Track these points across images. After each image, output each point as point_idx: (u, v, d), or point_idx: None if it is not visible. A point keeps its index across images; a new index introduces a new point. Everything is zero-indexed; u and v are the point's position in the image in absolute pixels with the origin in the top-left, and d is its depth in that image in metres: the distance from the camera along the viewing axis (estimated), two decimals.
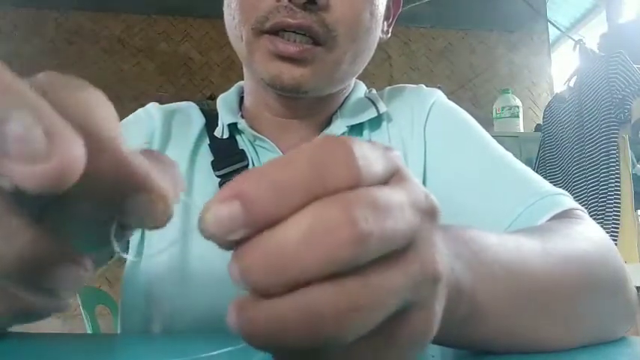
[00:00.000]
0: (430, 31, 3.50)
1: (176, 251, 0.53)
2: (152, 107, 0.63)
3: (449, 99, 0.64)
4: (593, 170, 1.83)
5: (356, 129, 0.60)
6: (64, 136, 0.14)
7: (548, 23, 3.25)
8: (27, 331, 0.46)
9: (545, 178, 0.54)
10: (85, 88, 0.18)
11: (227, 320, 0.17)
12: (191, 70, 3.29)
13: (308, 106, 0.59)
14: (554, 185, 0.51)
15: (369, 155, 0.17)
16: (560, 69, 3.49)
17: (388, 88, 0.67)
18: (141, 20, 3.28)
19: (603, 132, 1.80)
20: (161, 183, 0.18)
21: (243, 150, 0.59)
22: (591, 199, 1.81)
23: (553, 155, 2.11)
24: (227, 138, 0.60)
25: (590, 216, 0.48)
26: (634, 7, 2.51)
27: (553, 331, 0.32)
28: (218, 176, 0.57)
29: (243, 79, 0.65)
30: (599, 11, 3.14)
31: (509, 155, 0.56)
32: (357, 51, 0.55)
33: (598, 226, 0.44)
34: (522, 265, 0.30)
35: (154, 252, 0.55)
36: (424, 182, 0.57)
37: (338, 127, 0.59)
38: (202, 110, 0.65)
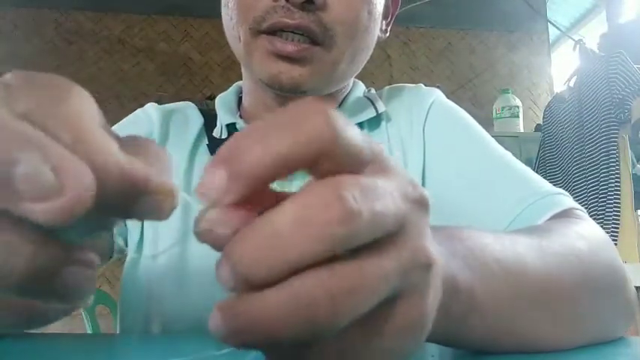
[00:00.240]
0: (430, 31, 3.50)
1: (175, 251, 0.53)
2: (150, 107, 0.63)
3: (449, 99, 0.64)
4: (593, 170, 1.83)
5: None
6: (73, 169, 0.15)
7: (548, 23, 3.25)
8: (27, 331, 0.46)
9: (545, 178, 0.54)
10: (64, 90, 0.17)
11: (210, 325, 0.17)
12: (191, 70, 3.29)
13: None
14: (554, 185, 0.51)
15: (344, 119, 0.17)
16: (560, 69, 3.49)
17: (387, 87, 0.67)
18: (141, 20, 3.28)
19: (603, 132, 1.80)
20: (163, 179, 0.18)
21: None
22: (591, 199, 1.81)
23: (553, 155, 2.11)
24: (225, 138, 0.60)
25: (590, 216, 0.48)
26: (634, 7, 2.51)
27: (552, 329, 0.32)
28: None
29: (242, 79, 0.65)
30: (599, 11, 3.14)
31: (508, 155, 0.56)
32: (355, 50, 0.55)
33: (597, 226, 0.44)
34: (520, 264, 0.30)
35: (156, 252, 0.55)
36: (423, 182, 0.57)
37: None
38: (201, 110, 0.65)
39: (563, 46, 3.50)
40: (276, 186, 0.17)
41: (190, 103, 0.67)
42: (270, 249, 0.16)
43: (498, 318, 0.28)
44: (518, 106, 2.51)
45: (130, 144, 0.19)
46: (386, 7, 0.61)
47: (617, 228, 1.68)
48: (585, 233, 0.40)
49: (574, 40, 2.08)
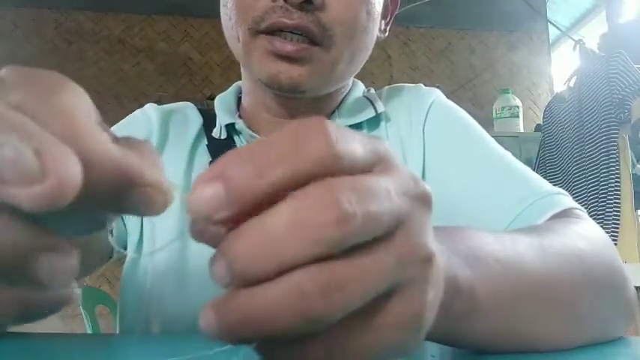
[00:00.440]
0: (430, 31, 3.50)
1: (174, 251, 0.53)
2: (149, 108, 0.63)
3: (449, 99, 0.64)
4: (593, 170, 1.83)
5: (354, 129, 0.60)
6: (57, 154, 0.15)
7: (548, 23, 3.25)
8: (27, 331, 0.46)
9: (545, 178, 0.54)
10: (58, 85, 0.18)
11: (202, 323, 0.17)
12: (191, 70, 3.29)
13: (306, 106, 0.59)
14: (554, 185, 0.51)
15: (345, 134, 0.18)
16: (560, 69, 3.48)
17: (387, 87, 0.67)
18: (141, 20, 3.28)
19: (603, 132, 1.80)
20: (154, 173, 0.18)
21: None
22: (591, 199, 1.81)
23: (553, 155, 2.11)
24: (225, 138, 0.60)
25: (590, 216, 0.48)
26: (634, 7, 2.51)
27: (552, 329, 0.32)
28: None
29: (242, 80, 0.65)
30: (599, 11, 3.14)
31: (508, 155, 0.56)
32: (354, 50, 0.54)
33: (597, 226, 0.44)
34: (520, 263, 0.30)
35: (154, 249, 0.55)
36: None
37: None
38: (200, 111, 0.65)
39: (563, 46, 3.50)
40: None
41: (190, 103, 0.67)
42: (266, 249, 0.16)
43: (499, 317, 0.28)
44: (518, 106, 2.51)
45: (124, 142, 0.19)
46: (385, 6, 0.61)
47: (617, 228, 1.68)
48: (585, 233, 0.40)
49: (574, 40, 2.08)
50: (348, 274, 0.16)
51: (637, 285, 1.25)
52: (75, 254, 0.16)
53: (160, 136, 0.60)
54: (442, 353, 0.33)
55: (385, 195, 0.17)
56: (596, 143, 1.83)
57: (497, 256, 0.29)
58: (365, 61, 0.60)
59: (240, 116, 0.62)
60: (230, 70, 3.17)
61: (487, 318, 0.27)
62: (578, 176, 1.92)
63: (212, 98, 0.67)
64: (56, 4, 3.13)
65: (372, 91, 0.67)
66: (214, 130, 0.61)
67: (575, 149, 1.95)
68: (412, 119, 0.60)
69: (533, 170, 0.54)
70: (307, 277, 0.16)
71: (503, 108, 2.51)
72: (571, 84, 2.04)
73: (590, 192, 1.83)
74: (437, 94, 0.63)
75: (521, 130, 2.51)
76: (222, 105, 0.63)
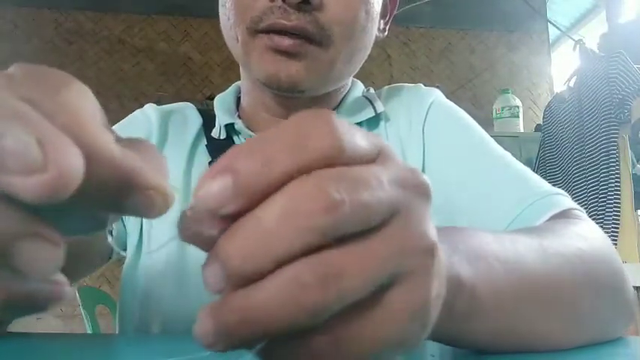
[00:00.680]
0: (430, 31, 3.50)
1: (174, 251, 0.53)
2: (149, 108, 0.63)
3: (448, 99, 0.64)
4: (593, 170, 1.83)
5: None
6: (60, 146, 0.15)
7: (548, 23, 3.25)
8: (27, 331, 0.46)
9: (545, 178, 0.54)
10: (66, 84, 0.18)
11: (197, 331, 0.17)
12: (191, 70, 3.29)
13: (305, 106, 0.58)
14: (554, 185, 0.51)
15: (348, 127, 0.18)
16: (560, 69, 3.49)
17: (386, 87, 0.67)
18: (141, 20, 3.28)
19: (603, 132, 1.80)
20: (156, 176, 0.18)
21: None
22: (591, 199, 1.81)
23: (553, 155, 2.11)
24: (224, 139, 0.60)
25: (590, 216, 0.48)
26: (634, 7, 2.51)
27: (552, 329, 0.32)
28: None
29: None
30: (599, 11, 3.14)
31: (508, 155, 0.56)
32: (352, 50, 0.54)
33: (596, 226, 0.44)
34: (520, 263, 0.30)
35: (152, 250, 0.55)
36: None
37: None
38: (200, 111, 0.65)
39: (563, 46, 3.50)
40: None
41: (189, 103, 0.67)
42: (258, 244, 0.16)
43: (500, 316, 0.28)
44: (518, 106, 2.51)
45: (129, 143, 0.19)
46: (384, 6, 0.61)
47: (617, 228, 1.68)
48: (585, 233, 0.40)
49: (574, 40, 2.08)
50: (345, 263, 0.16)
51: (637, 285, 1.25)
52: (61, 245, 0.16)
53: (159, 137, 0.60)
54: (442, 353, 0.33)
55: (377, 183, 0.17)
56: (596, 143, 1.83)
57: (498, 255, 0.29)
58: (364, 61, 0.60)
59: (239, 116, 0.62)
60: (230, 70, 3.17)
61: (488, 317, 0.27)
62: (578, 176, 1.92)
63: (212, 98, 0.67)
64: (56, 4, 3.13)
65: (372, 91, 0.67)
66: (214, 130, 0.61)
67: (575, 149, 1.95)
68: (412, 119, 0.60)
69: (533, 170, 0.54)
70: (304, 268, 0.16)
71: (503, 108, 2.51)
72: (571, 84, 2.04)
73: (590, 192, 1.83)
74: (436, 94, 0.63)
75: (521, 130, 2.51)
76: (222, 105, 0.63)
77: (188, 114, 0.64)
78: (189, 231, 0.17)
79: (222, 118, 0.60)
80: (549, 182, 0.52)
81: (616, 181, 1.73)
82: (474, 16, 3.32)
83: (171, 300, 0.52)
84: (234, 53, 0.57)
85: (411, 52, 3.46)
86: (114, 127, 0.61)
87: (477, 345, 0.30)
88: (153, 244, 0.55)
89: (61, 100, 0.17)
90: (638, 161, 1.80)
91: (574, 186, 1.92)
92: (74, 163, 0.15)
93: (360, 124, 0.60)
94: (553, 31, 3.45)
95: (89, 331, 2.07)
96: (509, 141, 2.23)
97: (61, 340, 0.47)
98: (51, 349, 0.39)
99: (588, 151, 1.87)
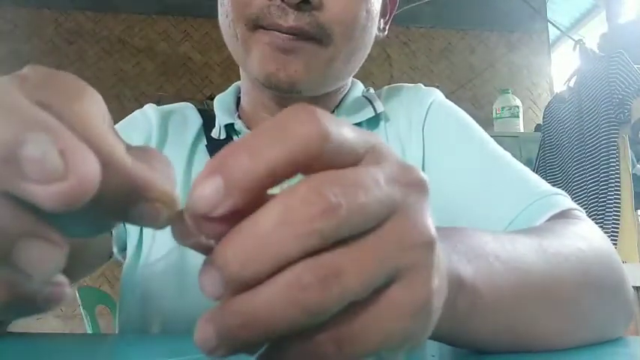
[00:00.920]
0: (430, 31, 3.50)
1: (174, 252, 0.53)
2: (149, 109, 0.63)
3: (448, 99, 0.64)
4: (593, 170, 1.83)
5: None
6: (79, 154, 0.15)
7: (548, 23, 3.25)
8: (27, 331, 0.46)
9: (545, 178, 0.54)
10: (80, 89, 0.18)
11: (197, 337, 0.17)
12: (191, 70, 3.29)
13: None
14: (555, 185, 0.51)
15: (334, 119, 0.18)
16: (560, 69, 3.49)
17: (386, 87, 0.67)
18: (141, 20, 3.29)
19: (603, 132, 1.80)
20: (165, 187, 0.18)
21: None
22: (591, 199, 1.81)
23: (553, 155, 2.11)
24: (224, 139, 0.59)
25: (590, 216, 0.48)
26: (634, 7, 2.51)
27: (552, 328, 0.32)
28: None
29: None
30: (599, 11, 3.14)
31: (507, 155, 0.56)
32: (352, 49, 0.54)
33: (596, 227, 0.44)
34: (520, 262, 0.30)
35: (153, 260, 0.55)
36: None
37: None
38: (200, 111, 0.65)
39: (563, 46, 3.51)
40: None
41: (189, 103, 0.67)
42: (257, 249, 0.16)
43: (500, 315, 0.28)
44: (518, 106, 2.51)
45: (138, 150, 0.19)
46: (384, 5, 0.61)
47: (617, 228, 1.68)
48: (584, 234, 0.40)
49: (574, 40, 2.08)
50: (345, 263, 0.16)
51: (637, 285, 1.25)
52: (64, 247, 0.16)
53: (159, 137, 0.60)
54: (442, 353, 0.33)
55: (373, 184, 0.17)
56: (596, 143, 1.83)
57: (498, 254, 0.29)
58: (364, 61, 0.59)
59: (239, 116, 0.62)
60: (230, 70, 3.17)
61: (489, 316, 0.27)
62: (578, 176, 1.92)
63: (212, 98, 0.67)
64: (56, 4, 3.13)
65: (372, 91, 0.67)
66: (214, 130, 0.61)
67: (575, 149, 1.95)
68: (412, 119, 0.60)
69: (533, 170, 0.54)
70: (304, 270, 0.16)
71: (503, 108, 2.52)
72: (571, 84, 2.04)
73: (590, 192, 1.83)
74: (436, 94, 0.63)
75: (521, 130, 2.51)
76: (222, 105, 0.63)
77: (188, 114, 0.64)
78: (185, 236, 0.17)
79: (221, 119, 0.60)
80: (549, 182, 0.52)
81: (616, 181, 1.73)
82: (473, 16, 3.33)
83: (171, 300, 0.52)
84: (233, 53, 0.57)
85: (411, 52, 3.46)
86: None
87: (477, 344, 0.30)
88: (154, 245, 0.55)
89: (77, 107, 0.17)
90: (638, 161, 1.80)
91: (574, 186, 1.92)
92: (92, 172, 0.15)
93: (359, 124, 0.60)
94: (553, 31, 3.45)
95: (89, 331, 2.07)
96: (509, 141, 2.23)
97: (61, 340, 0.47)
98: (51, 349, 0.39)
99: (588, 151, 1.87)
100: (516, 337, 0.30)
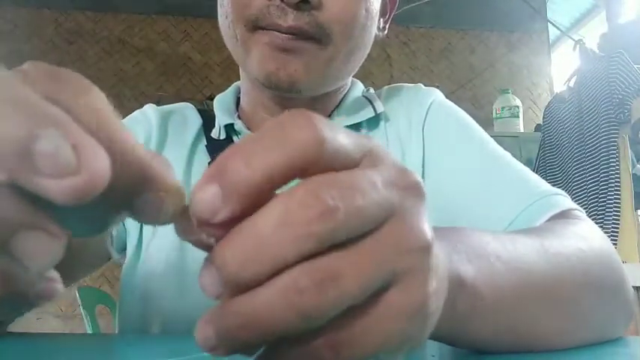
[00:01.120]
0: (430, 31, 3.50)
1: (174, 251, 0.53)
2: (149, 109, 0.63)
3: (448, 99, 0.64)
4: (593, 170, 1.83)
5: (353, 129, 0.60)
6: (90, 149, 0.15)
7: (548, 23, 3.25)
8: (27, 331, 0.46)
9: (545, 178, 0.54)
10: (84, 85, 0.18)
11: (197, 337, 0.17)
12: (191, 70, 3.29)
13: (304, 106, 0.58)
14: (555, 185, 0.51)
15: (330, 124, 0.18)
16: (560, 69, 3.49)
17: (386, 87, 0.67)
18: (141, 20, 3.29)
19: (603, 132, 1.80)
20: (173, 180, 0.18)
21: None
22: (591, 199, 1.81)
23: (553, 155, 2.11)
24: (224, 139, 0.59)
25: (590, 216, 0.48)
26: (634, 7, 2.51)
27: (552, 328, 0.32)
28: None
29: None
30: (599, 11, 3.14)
31: (507, 155, 0.56)
32: (352, 49, 0.54)
33: (596, 227, 0.44)
34: (520, 262, 0.30)
35: (155, 259, 0.55)
36: None
37: None
38: (200, 111, 0.65)
39: (563, 46, 3.51)
40: None
41: (189, 104, 0.67)
42: (255, 251, 0.16)
43: (501, 315, 0.28)
44: (518, 106, 2.51)
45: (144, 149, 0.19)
46: (383, 4, 0.61)
47: (617, 228, 1.68)
48: (585, 234, 0.40)
49: (574, 40, 2.08)
50: (342, 267, 0.16)
51: (636, 285, 1.25)
52: (62, 239, 0.16)
53: (158, 137, 0.60)
54: (442, 353, 0.33)
55: (370, 187, 0.17)
56: (596, 143, 1.83)
57: (498, 254, 0.29)
58: (363, 60, 0.59)
59: (239, 116, 0.62)
60: (230, 70, 3.17)
61: (489, 316, 0.27)
62: (578, 176, 1.92)
63: (212, 98, 0.67)
64: (56, 4, 3.13)
65: (372, 91, 0.67)
66: (213, 130, 0.61)
67: (575, 149, 1.95)
68: (412, 119, 0.60)
69: (533, 170, 0.54)
70: (301, 273, 0.16)
71: (503, 108, 2.52)
72: (571, 84, 2.04)
73: (590, 192, 1.83)
74: (436, 95, 0.63)
75: (521, 130, 2.51)
76: (221, 105, 0.63)
77: (188, 114, 0.64)
78: (187, 233, 0.18)
79: (221, 119, 0.60)
80: (549, 182, 0.52)
81: (616, 181, 1.73)
82: (473, 16, 3.33)
83: (171, 300, 0.52)
84: (233, 53, 0.57)
85: (411, 52, 3.46)
86: None
87: (477, 344, 0.30)
88: (155, 248, 0.55)
89: (85, 100, 0.17)
90: (638, 161, 1.80)
91: (574, 186, 1.92)
92: (103, 167, 0.15)
93: (359, 124, 0.60)
94: (553, 31, 3.45)
95: (89, 331, 2.07)
96: (509, 141, 2.23)
97: (61, 340, 0.47)
98: (51, 349, 0.39)
99: (588, 151, 1.87)
100: (517, 337, 0.30)
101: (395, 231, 0.18)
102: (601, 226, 1.55)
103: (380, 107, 0.60)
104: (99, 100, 0.18)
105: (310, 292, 0.16)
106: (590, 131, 1.87)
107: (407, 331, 0.18)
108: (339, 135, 0.18)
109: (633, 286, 0.42)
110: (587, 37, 2.56)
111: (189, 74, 3.28)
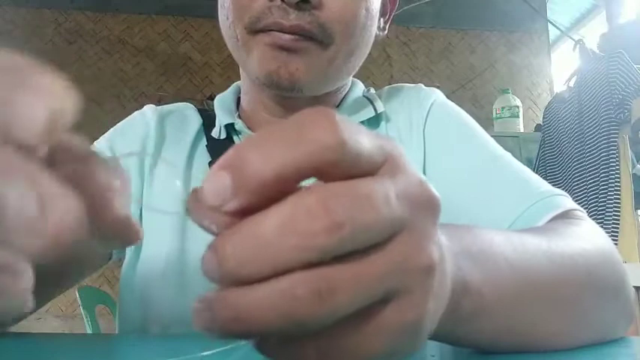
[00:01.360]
0: (430, 31, 3.50)
1: (173, 251, 0.53)
2: (148, 110, 0.63)
3: (449, 99, 0.64)
4: (593, 170, 1.83)
5: None
6: (59, 205, 0.15)
7: (548, 23, 3.25)
8: (27, 331, 0.46)
9: (545, 178, 0.54)
10: (33, 85, 0.16)
11: (194, 317, 0.17)
12: (191, 70, 3.29)
13: (304, 106, 0.58)
14: (555, 185, 0.51)
15: (352, 125, 0.17)
16: (560, 69, 3.49)
17: (386, 87, 0.67)
18: (141, 20, 3.29)
19: (603, 132, 1.80)
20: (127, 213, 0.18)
21: None
22: (591, 199, 1.81)
23: (553, 155, 2.11)
24: (224, 138, 0.59)
25: (590, 216, 0.48)
26: (634, 7, 2.51)
27: (556, 329, 0.32)
28: None
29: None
30: (599, 11, 3.15)
31: (508, 155, 0.56)
32: (352, 48, 0.54)
33: (598, 227, 0.44)
34: (528, 264, 0.30)
35: (154, 259, 0.55)
36: None
37: None
38: (200, 111, 0.65)
39: (563, 46, 3.51)
40: None
41: (189, 104, 0.67)
42: (255, 252, 0.16)
43: (505, 318, 0.28)
44: (518, 106, 2.51)
45: (103, 162, 0.19)
46: (383, 4, 0.61)
47: (617, 228, 1.68)
48: (587, 234, 0.40)
49: (574, 40, 2.08)
50: (340, 279, 0.16)
51: (637, 285, 1.25)
52: (29, 278, 0.15)
53: (156, 137, 0.60)
54: (442, 353, 0.33)
55: (383, 201, 0.17)
56: (596, 143, 1.83)
57: (508, 256, 0.29)
58: (364, 60, 0.59)
59: (239, 116, 0.62)
60: (230, 70, 3.17)
61: (493, 319, 0.27)
62: (578, 176, 1.92)
63: (212, 98, 0.67)
64: (56, 4, 3.13)
65: (372, 91, 0.67)
66: (214, 130, 0.61)
67: (576, 149, 1.95)
68: (412, 120, 0.60)
69: (533, 170, 0.54)
70: (299, 281, 0.16)
71: (503, 108, 2.51)
72: (571, 84, 2.04)
73: (590, 192, 1.83)
74: (437, 95, 0.63)
75: (521, 130, 2.51)
76: (222, 105, 0.63)
77: (188, 114, 0.64)
78: (198, 219, 0.17)
79: (222, 118, 0.60)
80: (549, 182, 0.52)
81: (616, 181, 1.73)
82: (473, 16, 3.33)
83: (171, 300, 0.52)
84: (233, 53, 0.57)
85: (411, 52, 3.46)
86: (112, 130, 0.62)
87: (479, 344, 0.30)
88: (154, 247, 0.55)
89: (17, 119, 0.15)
90: (638, 161, 1.80)
91: (574, 186, 1.92)
92: (73, 223, 0.15)
93: (360, 123, 0.60)
94: (553, 31, 3.45)
95: (89, 331, 2.07)
96: (509, 141, 2.23)
97: (61, 340, 0.47)
98: (51, 349, 0.39)
99: (588, 151, 1.87)
100: (519, 337, 0.30)
101: (401, 248, 0.18)
102: (601, 226, 1.55)
103: (380, 107, 0.61)
104: (55, 101, 0.17)
105: (305, 301, 0.16)
106: (590, 131, 1.87)
107: (396, 347, 0.18)
108: (360, 137, 0.17)
109: (634, 286, 0.42)
110: (587, 37, 2.56)
111: (190, 74, 3.28)
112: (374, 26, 0.57)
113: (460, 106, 0.63)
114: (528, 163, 2.16)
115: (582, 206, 0.49)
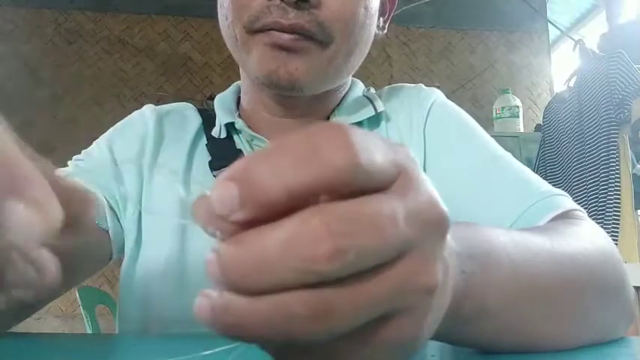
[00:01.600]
0: (430, 31, 3.50)
1: (173, 251, 0.53)
2: (147, 109, 0.63)
3: (449, 99, 0.64)
4: (593, 170, 1.83)
5: None
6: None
7: (548, 23, 3.25)
8: (27, 331, 0.46)
9: (545, 178, 0.54)
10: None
11: (196, 311, 0.17)
12: (191, 70, 3.29)
13: (305, 105, 0.58)
14: (555, 185, 0.51)
15: (367, 141, 0.17)
16: (560, 69, 3.49)
17: (387, 87, 0.67)
18: (141, 20, 3.29)
19: (603, 132, 1.80)
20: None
21: (240, 150, 0.59)
22: (591, 199, 1.81)
23: (553, 155, 2.11)
24: (224, 138, 0.60)
25: (590, 216, 0.48)
26: (634, 7, 2.51)
27: (557, 329, 0.32)
28: (215, 176, 0.56)
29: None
30: (599, 11, 3.14)
31: (508, 155, 0.56)
32: (352, 47, 0.54)
33: (598, 227, 0.44)
34: (531, 264, 0.30)
35: (154, 259, 0.55)
36: None
37: None
38: (199, 110, 0.65)
39: (563, 46, 3.50)
40: None
41: (189, 103, 0.67)
42: (256, 268, 0.16)
43: (506, 318, 0.28)
44: (518, 106, 2.51)
45: (66, 188, 0.19)
46: (382, 3, 0.61)
47: (617, 228, 1.68)
48: (588, 234, 0.40)
49: (574, 40, 2.08)
50: (340, 300, 0.16)
51: (637, 285, 1.25)
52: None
53: (155, 137, 0.60)
54: (442, 353, 0.33)
55: (391, 225, 0.17)
56: (596, 143, 1.83)
57: (511, 257, 0.28)
58: (363, 59, 0.59)
59: (239, 115, 0.62)
60: (230, 70, 3.17)
61: (495, 320, 0.27)
62: (578, 176, 1.92)
63: (212, 98, 0.67)
64: (56, 4, 3.13)
65: (372, 90, 0.67)
66: (214, 129, 0.61)
67: (576, 149, 1.95)
68: (412, 120, 0.60)
69: (533, 170, 0.54)
70: (297, 300, 0.16)
71: (503, 108, 2.51)
72: (571, 84, 2.04)
73: (590, 192, 1.83)
74: (437, 95, 0.63)
75: (521, 130, 2.51)
76: (222, 104, 0.63)
77: (187, 114, 0.64)
78: (204, 225, 0.17)
79: (222, 118, 0.60)
80: (549, 182, 0.52)
81: (616, 181, 1.72)
82: (473, 16, 3.32)
83: (171, 300, 0.52)
84: (233, 53, 0.57)
85: (411, 52, 3.46)
86: (112, 129, 0.62)
87: (479, 344, 0.30)
88: (154, 247, 0.55)
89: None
90: (638, 161, 1.80)
91: (574, 186, 1.92)
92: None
93: (360, 123, 0.60)
94: (553, 31, 3.45)
95: (89, 331, 2.07)
96: (509, 141, 2.23)
97: (61, 340, 0.47)
98: (51, 349, 0.39)
99: (588, 151, 1.87)
100: (520, 337, 0.30)
101: (405, 269, 0.17)
102: (601, 226, 1.55)
103: (380, 106, 0.61)
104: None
105: (301, 319, 0.16)
106: (590, 131, 1.87)
107: (392, 359, 0.19)
108: (374, 154, 0.17)
109: (634, 286, 0.42)
110: (587, 37, 2.56)
111: (190, 74, 3.28)
112: (373, 25, 0.57)
113: (460, 106, 0.63)
114: (528, 163, 2.16)
115: (582, 206, 0.49)
